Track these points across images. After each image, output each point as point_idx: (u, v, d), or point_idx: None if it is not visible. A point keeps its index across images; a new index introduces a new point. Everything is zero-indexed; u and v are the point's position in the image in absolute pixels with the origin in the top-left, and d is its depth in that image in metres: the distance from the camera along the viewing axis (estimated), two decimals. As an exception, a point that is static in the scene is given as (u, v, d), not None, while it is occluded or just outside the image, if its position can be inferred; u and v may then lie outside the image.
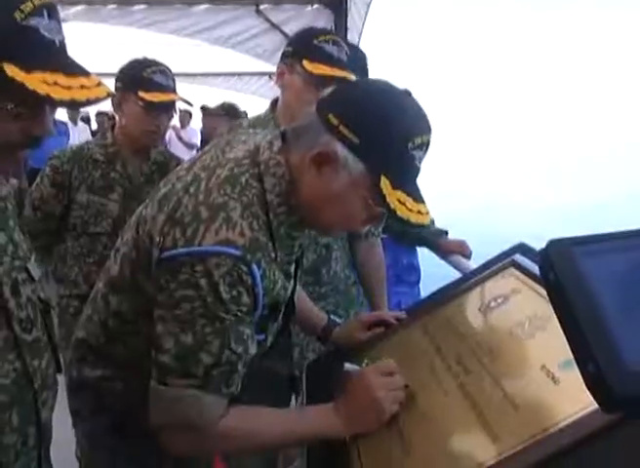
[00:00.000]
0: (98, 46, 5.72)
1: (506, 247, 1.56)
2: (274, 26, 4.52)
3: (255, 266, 1.13)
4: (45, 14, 0.91)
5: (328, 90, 1.25)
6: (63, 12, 4.56)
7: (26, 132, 0.93)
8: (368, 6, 4.04)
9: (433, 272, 3.08)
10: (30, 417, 1.01)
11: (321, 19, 4.62)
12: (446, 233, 2.52)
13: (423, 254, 3.01)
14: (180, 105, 2.68)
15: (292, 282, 1.36)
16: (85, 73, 0.94)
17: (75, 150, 2.39)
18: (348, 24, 4.48)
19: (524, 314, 1.23)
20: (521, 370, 1.09)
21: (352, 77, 1.91)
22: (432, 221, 2.53)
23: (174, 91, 2.32)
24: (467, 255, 2.64)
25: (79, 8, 4.52)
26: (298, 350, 2.05)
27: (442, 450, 1.02)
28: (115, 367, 1.37)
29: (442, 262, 2.69)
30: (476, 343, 1.24)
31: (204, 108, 6.43)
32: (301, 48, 1.97)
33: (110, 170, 2.34)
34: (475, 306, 1.40)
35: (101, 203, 2.31)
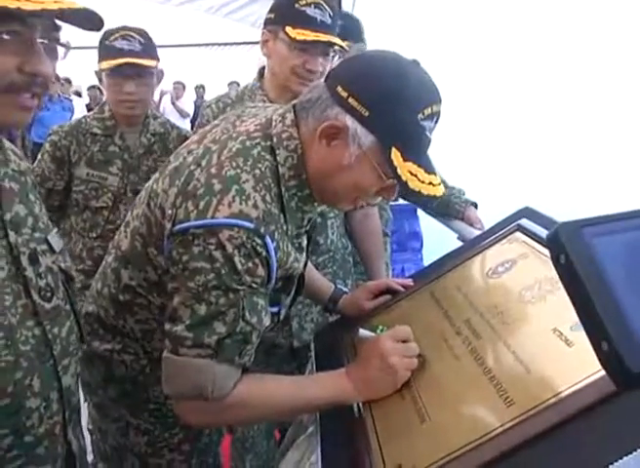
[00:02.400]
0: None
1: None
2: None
3: (269, 239, 1.13)
4: None
5: (336, 62, 1.24)
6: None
7: (23, 68, 0.91)
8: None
9: (435, 238, 3.08)
10: (51, 383, 1.03)
11: None
12: (476, 205, 2.47)
13: (424, 221, 3.00)
14: (173, 79, 2.64)
15: (303, 255, 1.36)
16: None
17: (73, 124, 2.37)
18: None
19: (533, 278, 1.23)
20: (533, 334, 1.08)
21: (337, 40, 1.89)
22: (463, 192, 2.52)
23: (145, 55, 2.21)
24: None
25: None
26: (296, 320, 2.05)
27: (457, 416, 1.02)
28: (125, 339, 1.38)
29: (443, 228, 2.68)
30: (485, 308, 1.24)
31: None
32: (283, 14, 1.93)
33: (109, 143, 2.32)
34: (483, 271, 1.40)
35: (101, 177, 2.29)
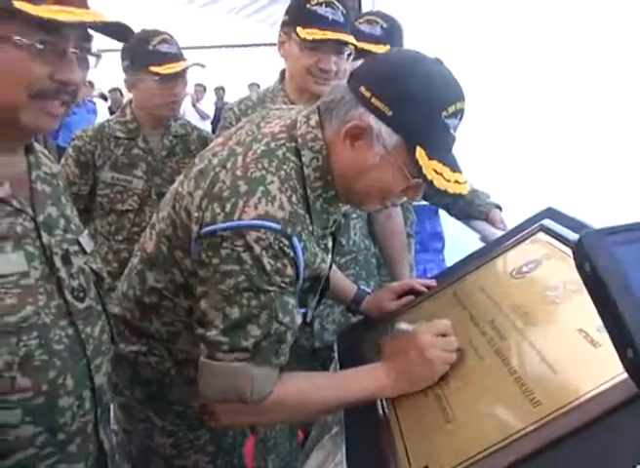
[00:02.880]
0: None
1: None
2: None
3: (295, 239, 1.14)
4: None
5: (359, 62, 1.24)
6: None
7: (54, 76, 0.93)
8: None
9: (457, 239, 3.07)
10: (84, 382, 1.04)
11: None
12: (500, 208, 2.46)
13: (445, 221, 2.99)
14: (194, 81, 2.69)
15: (329, 256, 1.36)
16: (87, 7, 0.94)
17: (97, 129, 2.40)
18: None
19: (558, 278, 1.23)
20: (558, 334, 1.08)
21: (350, 38, 1.89)
22: (487, 194, 2.50)
23: (182, 57, 2.30)
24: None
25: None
26: (318, 321, 2.05)
27: (483, 417, 1.02)
28: (150, 341, 1.40)
29: (464, 229, 2.66)
30: (510, 308, 1.24)
31: None
32: (295, 14, 1.95)
33: (132, 146, 2.35)
34: (506, 272, 1.40)
35: (126, 180, 2.32)
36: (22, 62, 0.90)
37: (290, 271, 1.15)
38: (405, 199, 1.29)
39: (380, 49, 2.01)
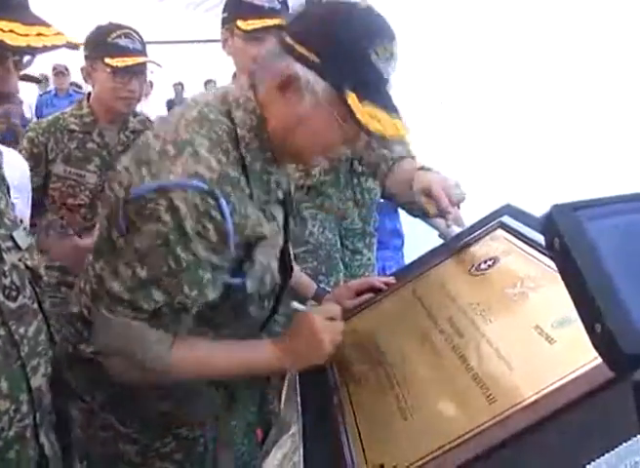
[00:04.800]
0: (75, 14, 5.60)
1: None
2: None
3: (223, 200, 1.12)
4: None
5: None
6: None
7: None
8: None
9: (415, 236, 3.08)
10: (20, 384, 1.02)
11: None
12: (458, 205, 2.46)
13: (405, 218, 2.99)
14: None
15: (275, 224, 1.34)
16: (45, 24, 0.94)
17: (51, 121, 2.35)
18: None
19: (515, 275, 1.23)
20: (514, 331, 1.08)
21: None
22: None
23: (141, 53, 2.27)
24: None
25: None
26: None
27: (440, 414, 1.02)
28: None
29: (423, 226, 2.66)
30: (468, 305, 1.24)
31: None
32: (234, 9, 1.97)
33: (87, 140, 2.30)
34: (465, 268, 1.40)
35: (79, 174, 2.27)
36: None
37: (213, 236, 1.13)
38: (348, 151, 1.28)
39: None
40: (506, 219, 1.46)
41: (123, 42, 2.23)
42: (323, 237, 2.11)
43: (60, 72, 7.69)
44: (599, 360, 0.85)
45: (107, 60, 2.20)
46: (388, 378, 1.19)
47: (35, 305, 1.10)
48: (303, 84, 1.14)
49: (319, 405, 1.25)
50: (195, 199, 1.10)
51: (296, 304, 1.39)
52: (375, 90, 1.15)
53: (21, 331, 1.04)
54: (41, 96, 8.18)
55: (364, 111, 1.11)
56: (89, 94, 2.40)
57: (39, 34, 0.91)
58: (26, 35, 0.89)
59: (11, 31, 0.88)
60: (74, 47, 1.01)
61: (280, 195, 1.34)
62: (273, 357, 1.29)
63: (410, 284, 1.50)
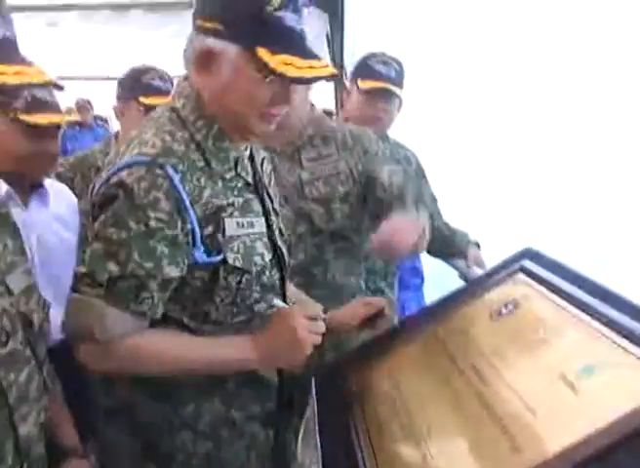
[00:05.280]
0: (95, 50, 5.71)
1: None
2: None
3: (169, 168, 1.18)
4: None
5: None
6: (58, 17, 4.55)
7: None
8: (365, 6, 4.02)
9: (435, 275, 3.08)
10: (6, 433, 1.00)
11: (317, 21, 4.61)
12: (479, 245, 2.47)
13: (425, 257, 2.98)
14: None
15: (248, 196, 1.36)
16: (26, 63, 0.94)
17: (78, 157, 2.42)
18: (345, 27, 4.47)
19: (537, 321, 1.23)
20: (539, 379, 1.08)
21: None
22: (466, 233, 2.51)
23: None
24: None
25: (74, 13, 4.50)
26: None
27: (464, 464, 1.01)
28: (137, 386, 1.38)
29: (442, 265, 2.66)
30: (490, 351, 1.24)
31: None
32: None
33: None
34: (486, 313, 1.39)
35: None
36: None
37: (164, 205, 1.17)
38: (284, 107, 1.30)
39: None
40: (527, 263, 1.45)
41: (157, 83, 2.33)
42: (346, 280, 2.08)
43: (83, 107, 7.79)
44: (625, 411, 0.86)
45: (142, 99, 2.29)
46: (411, 425, 1.19)
47: (28, 351, 1.09)
48: (218, 54, 1.22)
49: (339, 449, 1.24)
50: (140, 172, 1.17)
51: (276, 301, 1.38)
52: (283, 39, 1.19)
53: (11, 377, 1.02)
54: (65, 131, 8.30)
55: (277, 60, 1.17)
56: (117, 132, 2.46)
57: (17, 73, 0.91)
58: (3, 73, 0.89)
59: None
60: (58, 87, 1.04)
61: (249, 179, 1.37)
62: (247, 350, 1.28)
63: (431, 327, 1.50)
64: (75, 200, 2.06)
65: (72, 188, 2.29)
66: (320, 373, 1.71)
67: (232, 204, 1.29)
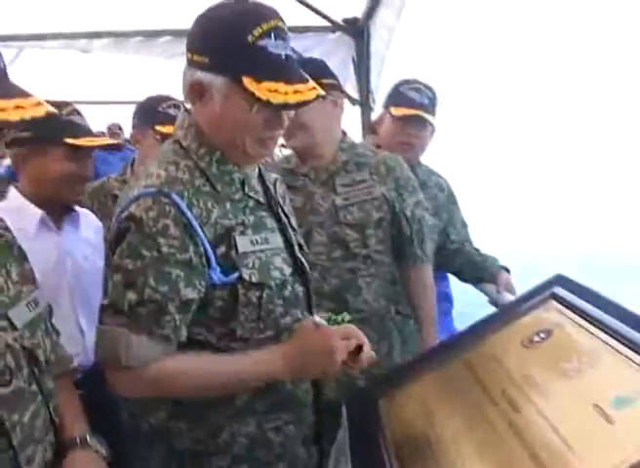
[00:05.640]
0: (124, 76, 5.83)
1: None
2: (296, 54, 4.53)
3: (175, 195, 1.22)
4: None
5: None
6: (91, 44, 4.64)
7: None
8: (392, 33, 4.04)
9: (464, 300, 3.07)
10: None
11: (343, 46, 4.65)
12: (508, 270, 2.47)
13: (454, 282, 2.97)
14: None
15: (276, 232, 1.41)
16: (23, 94, 0.93)
17: (95, 186, 2.47)
18: (372, 51, 4.50)
19: (571, 349, 1.22)
20: (572, 409, 1.07)
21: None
22: (496, 259, 2.51)
23: None
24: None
25: (106, 40, 4.59)
26: None
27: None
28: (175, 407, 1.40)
29: (472, 290, 2.65)
30: (523, 379, 1.23)
31: None
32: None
33: None
34: (518, 340, 1.39)
35: None
36: None
37: (174, 230, 1.21)
38: (278, 131, 1.34)
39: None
40: (559, 290, 1.45)
41: (173, 112, 2.39)
42: (377, 304, 2.10)
43: (114, 131, 7.91)
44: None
45: (158, 127, 2.37)
46: (443, 453, 1.18)
47: (34, 387, 1.08)
48: (207, 85, 1.27)
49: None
50: (148, 202, 1.22)
51: (317, 318, 1.37)
52: (267, 66, 1.23)
53: (15, 418, 1.01)
54: (96, 154, 8.42)
55: (263, 88, 1.20)
56: (133, 159, 2.51)
57: (17, 107, 0.89)
58: (4, 109, 0.88)
59: None
60: (55, 116, 1.00)
61: (261, 199, 1.40)
62: (274, 367, 1.30)
63: (462, 353, 1.49)
64: (100, 224, 2.12)
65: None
66: (351, 399, 1.71)
67: (242, 223, 1.33)
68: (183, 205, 1.22)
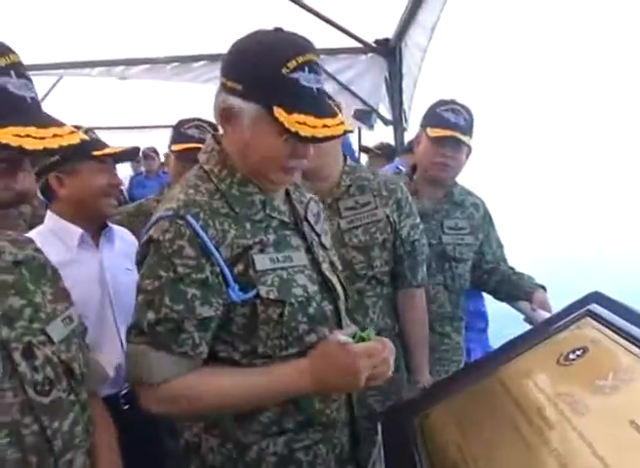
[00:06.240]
0: (159, 101, 5.95)
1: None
2: (330, 76, 4.59)
3: (190, 217, 1.26)
4: (13, 73, 0.97)
5: None
6: (128, 71, 4.75)
7: (8, 188, 1.01)
8: (424, 52, 4.07)
9: (499, 318, 3.05)
10: None
11: (375, 67, 4.69)
12: (545, 289, 2.45)
13: (489, 301, 2.96)
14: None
15: (301, 251, 1.42)
16: (58, 124, 1.00)
17: (135, 206, 2.55)
18: (404, 71, 4.53)
19: (607, 366, 1.21)
20: (609, 426, 1.06)
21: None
22: (532, 278, 2.50)
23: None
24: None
25: (143, 67, 4.70)
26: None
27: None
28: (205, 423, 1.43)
29: (507, 308, 2.63)
30: (558, 396, 1.22)
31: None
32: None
33: None
34: (553, 358, 1.38)
35: None
36: None
37: (189, 251, 1.25)
38: (303, 161, 1.36)
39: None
40: (595, 307, 1.44)
41: (191, 132, 2.47)
42: (383, 323, 2.12)
43: (149, 155, 8.04)
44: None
45: (173, 147, 2.49)
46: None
47: (72, 397, 1.13)
48: (237, 111, 1.29)
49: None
50: (165, 225, 1.26)
51: (342, 337, 1.34)
52: (298, 99, 1.25)
53: (55, 425, 1.06)
54: (133, 178, 8.55)
55: (292, 120, 1.22)
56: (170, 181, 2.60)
57: (55, 135, 0.97)
58: (43, 138, 0.95)
59: (27, 136, 0.93)
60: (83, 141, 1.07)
61: (285, 218, 1.42)
62: (297, 383, 1.31)
63: (497, 371, 1.49)
64: (134, 239, 2.17)
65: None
66: (385, 416, 1.71)
67: (260, 241, 1.35)
68: (198, 226, 1.26)
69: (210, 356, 1.32)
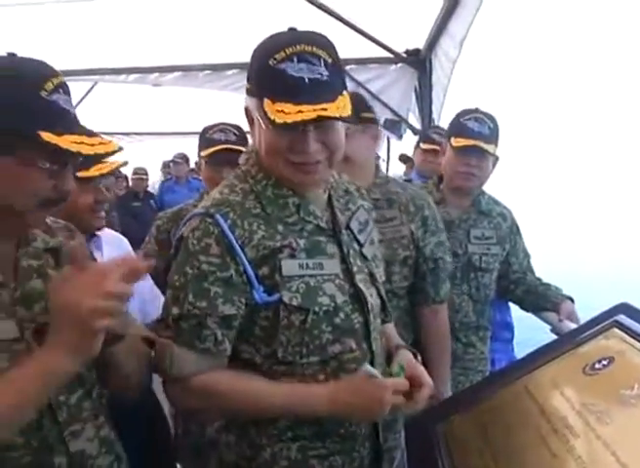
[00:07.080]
0: (192, 108, 6.03)
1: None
2: (360, 85, 4.62)
3: (219, 216, 1.28)
4: (61, 91, 1.09)
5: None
6: (162, 78, 4.82)
7: (57, 187, 1.11)
8: (454, 63, 4.08)
9: (525, 329, 3.03)
10: (57, 447, 1.13)
11: (405, 77, 4.71)
12: (572, 300, 2.44)
13: (516, 311, 2.95)
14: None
15: (335, 258, 1.40)
16: (95, 134, 1.19)
17: (175, 210, 2.57)
18: (433, 81, 4.54)
19: (633, 377, 1.21)
20: (633, 436, 1.06)
21: None
22: (558, 288, 2.49)
23: (233, 143, 2.45)
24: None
25: (176, 74, 4.77)
26: None
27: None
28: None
29: (534, 319, 2.62)
30: (583, 406, 1.22)
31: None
32: None
33: None
34: (579, 367, 1.37)
35: None
36: (37, 180, 1.08)
37: (215, 250, 1.28)
38: (305, 156, 1.30)
39: None
40: (622, 318, 1.43)
41: (216, 136, 2.48)
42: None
43: (179, 162, 8.13)
44: None
45: (202, 153, 2.50)
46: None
47: (86, 372, 1.20)
48: (250, 110, 1.33)
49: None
50: (195, 223, 1.30)
51: (369, 368, 1.33)
52: (283, 89, 1.23)
53: (62, 398, 1.14)
54: (163, 183, 8.65)
55: (274, 109, 1.22)
56: None
57: (101, 143, 1.15)
58: (92, 145, 1.11)
59: (82, 143, 1.09)
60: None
61: (322, 223, 1.40)
62: (317, 405, 1.32)
63: (522, 380, 1.49)
64: (128, 245, 2.21)
65: (169, 240, 2.43)
66: (409, 424, 1.72)
67: (289, 245, 1.33)
68: (226, 226, 1.28)
69: (234, 356, 1.35)
